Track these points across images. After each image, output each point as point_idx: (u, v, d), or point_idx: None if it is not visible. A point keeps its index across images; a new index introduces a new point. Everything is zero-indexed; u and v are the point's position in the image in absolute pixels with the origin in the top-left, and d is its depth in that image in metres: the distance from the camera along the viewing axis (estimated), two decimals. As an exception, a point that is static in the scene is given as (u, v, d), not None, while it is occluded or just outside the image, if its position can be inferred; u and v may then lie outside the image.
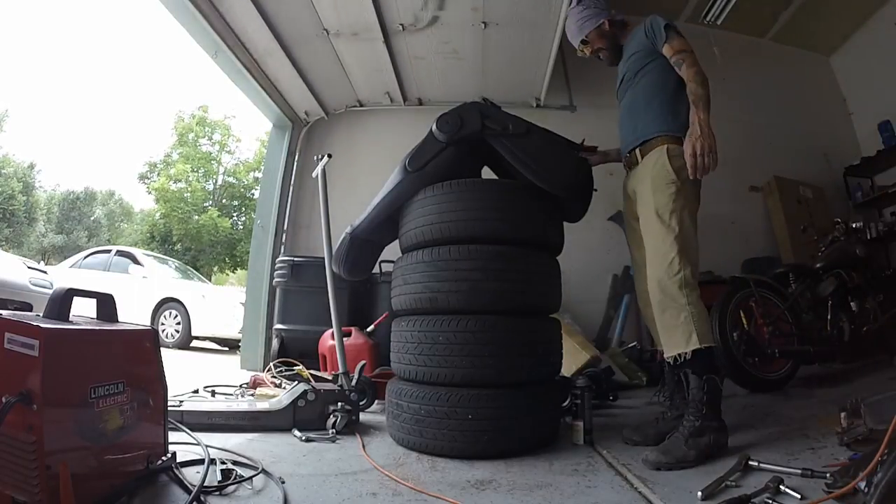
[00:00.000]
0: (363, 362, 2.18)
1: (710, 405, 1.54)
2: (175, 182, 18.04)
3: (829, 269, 2.81)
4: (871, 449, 1.11)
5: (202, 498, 1.11)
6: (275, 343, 3.39)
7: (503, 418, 1.56)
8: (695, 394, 1.56)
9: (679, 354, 1.59)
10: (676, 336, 1.60)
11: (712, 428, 1.50)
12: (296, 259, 3.47)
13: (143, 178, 19.67)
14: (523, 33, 3.40)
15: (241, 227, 19.02)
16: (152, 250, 14.80)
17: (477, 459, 1.52)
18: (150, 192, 18.82)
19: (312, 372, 2.66)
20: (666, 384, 1.86)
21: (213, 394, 2.41)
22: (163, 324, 6.19)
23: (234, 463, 1.36)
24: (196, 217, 17.58)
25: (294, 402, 1.85)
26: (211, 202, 18.82)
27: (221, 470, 1.27)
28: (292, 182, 4.32)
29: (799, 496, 1.12)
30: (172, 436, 1.37)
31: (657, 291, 1.64)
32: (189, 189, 18.20)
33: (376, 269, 3.02)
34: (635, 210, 1.83)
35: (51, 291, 1.19)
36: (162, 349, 1.31)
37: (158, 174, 18.82)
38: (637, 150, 1.79)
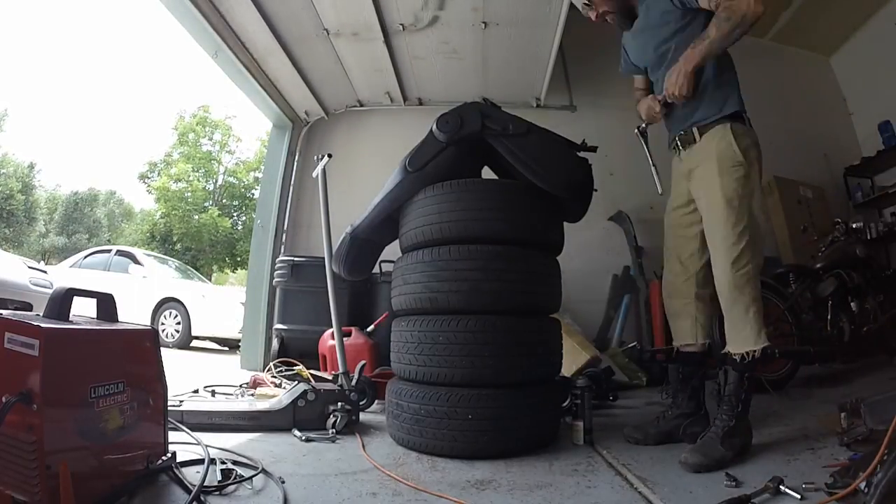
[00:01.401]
0: (363, 362, 2.18)
1: (745, 404, 1.52)
2: (176, 182, 18.05)
3: (829, 270, 2.81)
4: (871, 449, 1.11)
5: (202, 498, 1.11)
6: (275, 343, 3.39)
7: (503, 418, 1.55)
8: (733, 390, 1.52)
9: (747, 352, 1.52)
10: (745, 332, 1.53)
11: (743, 428, 1.49)
12: (296, 259, 3.47)
13: (143, 177, 19.71)
14: (523, 33, 3.39)
15: (241, 226, 19.04)
16: (153, 250, 14.82)
17: (477, 459, 1.52)
18: (150, 192, 18.86)
19: (312, 372, 2.66)
20: (670, 383, 1.85)
21: (214, 394, 2.41)
22: (163, 324, 6.19)
23: (234, 463, 1.36)
24: (196, 216, 17.59)
25: (294, 402, 1.85)
26: (211, 202, 18.83)
27: (221, 470, 1.27)
28: (292, 182, 4.31)
29: (799, 496, 1.12)
30: (172, 435, 1.37)
31: (726, 285, 1.55)
32: (190, 189, 18.21)
33: (376, 269, 3.02)
34: (688, 192, 1.72)
35: (51, 291, 1.19)
36: (162, 349, 1.31)
37: (159, 174, 18.84)
38: (694, 128, 1.65)
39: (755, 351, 1.51)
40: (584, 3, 1.81)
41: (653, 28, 1.73)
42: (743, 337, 1.53)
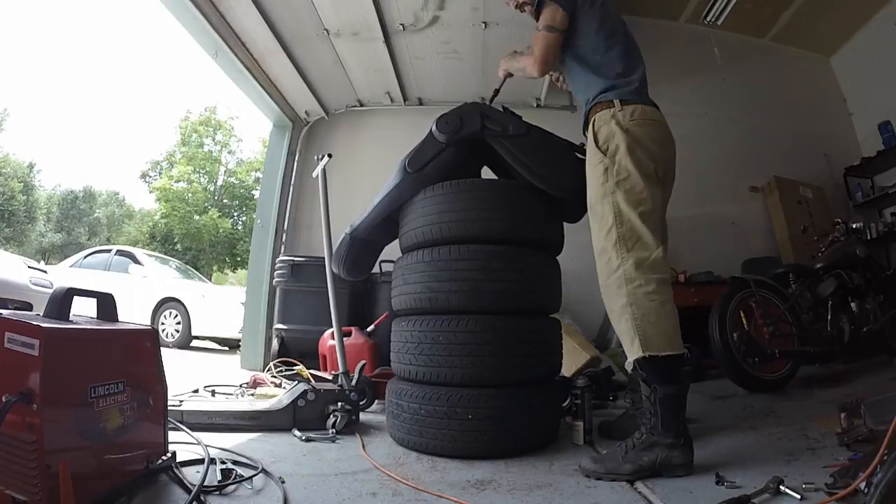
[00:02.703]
0: (363, 362, 2.18)
1: (665, 420, 1.33)
2: (176, 182, 18.07)
3: (829, 270, 2.81)
4: (871, 449, 1.11)
5: (202, 497, 1.11)
6: (275, 343, 3.39)
7: (503, 418, 1.55)
8: (647, 404, 1.37)
9: (633, 361, 1.39)
10: (625, 340, 1.40)
11: (664, 444, 1.31)
12: (296, 259, 3.47)
13: (144, 176, 19.73)
14: (523, 33, 3.38)
15: (242, 226, 19.05)
16: (153, 250, 14.82)
17: (477, 459, 1.52)
18: (151, 192, 18.89)
19: (312, 372, 2.66)
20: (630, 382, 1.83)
21: (214, 393, 2.41)
22: (163, 323, 6.19)
23: (234, 463, 1.36)
24: (196, 217, 17.61)
25: (294, 401, 1.85)
26: (212, 203, 18.84)
27: (221, 469, 1.27)
28: (293, 182, 4.32)
29: (799, 496, 1.12)
30: (172, 435, 1.37)
31: (604, 297, 1.45)
32: (190, 190, 18.23)
33: (376, 269, 3.02)
34: None
35: (51, 291, 1.19)
36: (162, 349, 1.31)
37: (160, 173, 18.87)
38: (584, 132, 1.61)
39: (632, 362, 1.38)
40: None
41: None
42: (626, 347, 1.40)
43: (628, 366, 1.41)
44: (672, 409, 1.34)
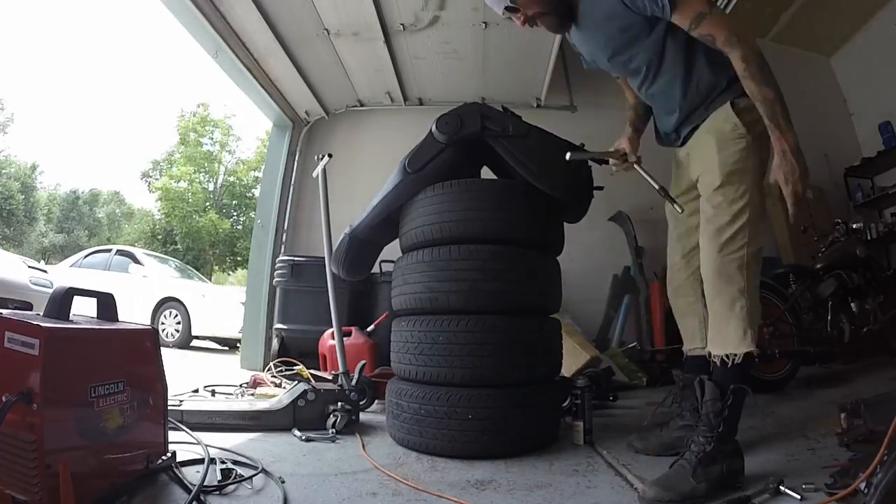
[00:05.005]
0: (363, 362, 2.18)
1: (728, 423, 1.25)
2: (177, 182, 18.08)
3: (829, 270, 2.81)
4: (871, 449, 1.11)
5: (202, 497, 1.11)
6: (275, 343, 3.39)
7: (503, 418, 1.55)
8: (711, 407, 1.25)
9: (728, 355, 1.28)
10: (728, 330, 1.29)
11: (725, 452, 1.23)
12: (296, 259, 3.47)
13: (145, 175, 19.75)
14: (523, 33, 3.37)
15: (241, 226, 19.06)
16: (154, 250, 14.83)
17: (477, 459, 1.52)
18: (151, 192, 18.91)
19: (312, 372, 2.67)
20: (676, 389, 1.67)
21: (213, 393, 2.40)
22: (163, 323, 6.19)
23: (234, 462, 1.36)
24: (196, 217, 17.62)
25: (294, 401, 1.85)
26: (211, 203, 18.85)
27: (221, 469, 1.27)
28: (293, 182, 4.32)
29: (799, 497, 1.12)
30: (172, 435, 1.37)
31: (710, 272, 1.33)
32: (190, 190, 18.24)
33: (376, 269, 3.02)
34: (688, 177, 1.51)
35: (51, 291, 1.19)
36: (162, 348, 1.31)
37: (161, 173, 18.88)
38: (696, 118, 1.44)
39: (736, 355, 1.27)
40: (506, 7, 1.46)
41: (603, 33, 1.46)
42: (723, 336, 1.30)
43: (732, 358, 1.27)
44: (738, 412, 1.29)
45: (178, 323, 6.16)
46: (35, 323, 0.98)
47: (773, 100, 1.20)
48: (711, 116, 1.39)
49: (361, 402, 2.03)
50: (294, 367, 2.81)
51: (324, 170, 2.29)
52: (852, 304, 2.77)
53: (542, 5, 1.45)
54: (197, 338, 6.33)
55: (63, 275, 6.16)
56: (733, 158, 1.32)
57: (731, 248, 1.30)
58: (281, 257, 3.64)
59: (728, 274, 1.30)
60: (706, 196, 1.39)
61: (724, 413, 1.24)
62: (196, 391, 2.40)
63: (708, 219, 1.36)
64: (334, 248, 2.17)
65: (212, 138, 19.79)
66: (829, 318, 2.73)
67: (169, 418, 1.31)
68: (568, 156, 1.61)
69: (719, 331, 1.32)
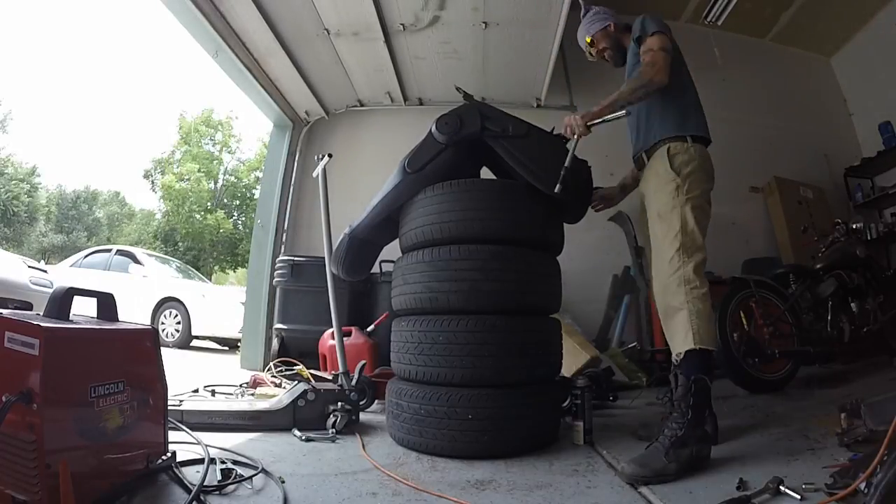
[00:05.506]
0: (363, 362, 2.18)
1: (696, 410, 1.45)
2: (181, 181, 18.07)
3: (829, 270, 2.81)
4: (871, 450, 1.11)
5: (202, 497, 1.11)
6: (275, 343, 3.39)
7: (503, 418, 1.55)
8: (680, 395, 1.48)
9: (678, 354, 1.54)
10: (678, 337, 1.55)
11: (695, 437, 1.41)
12: (296, 259, 3.47)
13: (147, 174, 19.74)
14: (523, 33, 3.39)
15: (242, 226, 19.06)
16: (155, 249, 14.83)
17: (477, 459, 1.52)
18: (154, 191, 18.91)
19: (312, 372, 2.67)
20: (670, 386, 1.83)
21: (213, 393, 2.40)
22: (163, 323, 6.19)
23: (234, 462, 1.36)
24: (199, 217, 17.62)
25: (294, 401, 1.85)
26: (213, 202, 18.84)
27: (221, 469, 1.27)
28: (293, 182, 4.32)
29: (799, 497, 1.12)
30: (172, 435, 1.37)
31: (659, 293, 1.62)
32: (192, 190, 18.24)
33: (376, 269, 3.02)
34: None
35: (51, 290, 1.19)
36: (162, 348, 1.32)
37: (164, 172, 18.88)
38: (643, 154, 1.80)
39: (680, 354, 1.53)
40: (588, 44, 1.98)
41: (629, 66, 1.88)
42: (676, 342, 1.57)
43: (677, 357, 1.55)
44: (705, 401, 1.49)
45: (178, 323, 6.16)
46: (35, 323, 0.98)
47: (614, 100, 1.63)
48: (654, 155, 1.74)
49: (361, 402, 2.03)
50: (294, 367, 2.81)
51: (324, 170, 2.29)
52: (852, 304, 2.78)
53: (608, 42, 1.95)
54: (197, 338, 6.33)
55: (63, 275, 6.16)
56: (664, 199, 1.65)
57: (671, 269, 1.59)
58: (281, 257, 3.64)
59: (671, 290, 1.58)
60: (650, 223, 1.74)
61: (691, 401, 1.45)
62: (196, 391, 2.40)
63: (653, 243, 1.72)
64: (334, 248, 2.17)
65: (213, 139, 19.81)
66: (829, 318, 2.73)
67: (169, 418, 1.31)
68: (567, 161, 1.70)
69: (672, 335, 1.59)
